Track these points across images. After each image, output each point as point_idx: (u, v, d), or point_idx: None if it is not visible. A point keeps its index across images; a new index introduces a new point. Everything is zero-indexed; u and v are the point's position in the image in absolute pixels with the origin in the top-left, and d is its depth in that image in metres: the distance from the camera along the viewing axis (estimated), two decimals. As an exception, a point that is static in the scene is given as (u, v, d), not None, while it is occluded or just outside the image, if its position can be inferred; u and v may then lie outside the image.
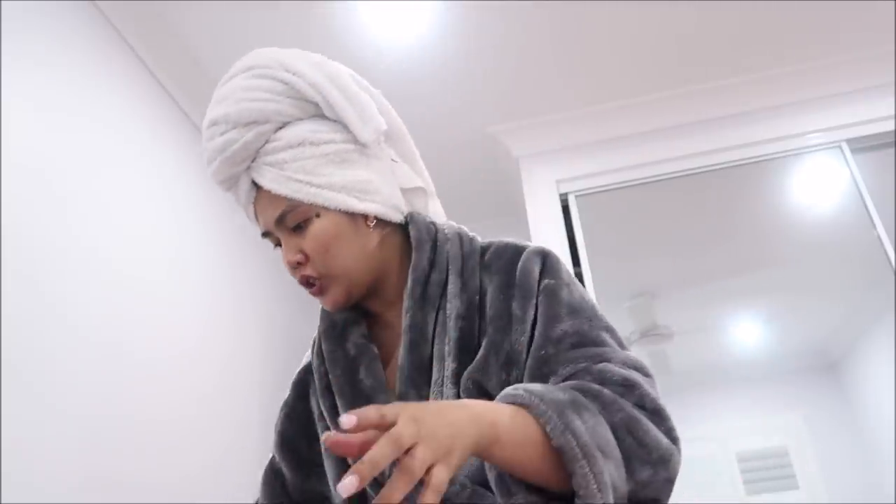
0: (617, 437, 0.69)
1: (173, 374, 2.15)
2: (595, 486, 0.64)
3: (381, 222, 0.94)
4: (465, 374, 0.84)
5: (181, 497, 2.03)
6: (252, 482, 2.69)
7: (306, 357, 1.06)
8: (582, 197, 2.87)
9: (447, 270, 0.92)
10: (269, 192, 0.89)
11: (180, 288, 2.30)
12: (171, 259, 2.27)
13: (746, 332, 3.20)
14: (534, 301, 0.86)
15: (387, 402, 0.81)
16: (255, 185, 0.91)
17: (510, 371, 0.84)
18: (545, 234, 2.78)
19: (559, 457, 0.65)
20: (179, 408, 2.16)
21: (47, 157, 1.76)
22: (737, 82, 2.83)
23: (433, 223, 0.98)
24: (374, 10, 2.35)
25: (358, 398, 0.88)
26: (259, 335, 2.87)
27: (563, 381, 0.78)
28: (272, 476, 1.05)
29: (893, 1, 2.51)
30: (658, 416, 0.74)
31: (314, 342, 1.01)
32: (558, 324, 0.83)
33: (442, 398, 0.83)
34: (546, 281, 0.87)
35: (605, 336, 0.84)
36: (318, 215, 0.89)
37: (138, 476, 1.88)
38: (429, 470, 0.56)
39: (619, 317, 2.92)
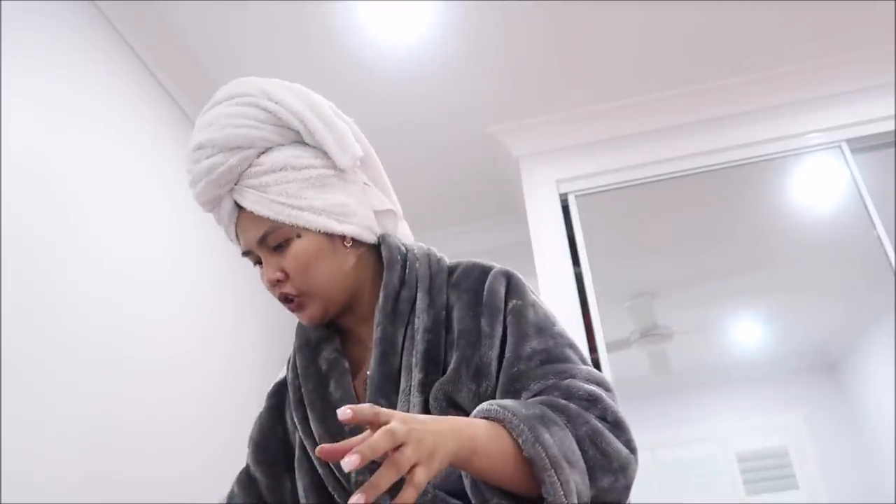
0: (581, 449, 0.75)
1: (173, 375, 2.15)
2: (562, 493, 0.70)
3: (357, 243, 1.00)
4: (437, 385, 0.89)
5: (181, 497, 2.03)
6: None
7: (281, 373, 1.11)
8: (582, 197, 2.87)
9: (416, 288, 0.97)
10: (251, 213, 0.94)
11: (180, 288, 2.30)
12: (171, 259, 2.27)
13: (746, 332, 3.19)
14: (501, 318, 0.92)
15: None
16: (238, 207, 0.96)
17: (480, 382, 0.89)
18: (545, 233, 2.78)
19: (530, 466, 0.71)
20: (179, 408, 2.16)
21: (47, 157, 1.75)
22: (737, 82, 2.83)
23: (403, 244, 1.04)
24: (374, 10, 2.35)
25: (328, 410, 0.93)
26: (259, 336, 2.87)
27: (534, 396, 0.83)
28: (247, 480, 1.08)
29: (893, 1, 2.51)
30: (619, 427, 0.81)
31: (290, 358, 1.07)
32: (527, 342, 0.89)
33: (409, 406, 0.89)
34: (513, 301, 0.93)
35: (569, 352, 0.90)
36: (298, 235, 0.94)
37: (138, 476, 1.88)
38: (412, 469, 0.61)
39: (619, 317, 2.92)
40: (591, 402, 0.81)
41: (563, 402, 0.79)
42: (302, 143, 0.98)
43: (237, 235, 0.99)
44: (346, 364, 0.98)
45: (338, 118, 1.01)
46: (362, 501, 0.57)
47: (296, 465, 1.00)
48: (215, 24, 2.34)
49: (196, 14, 2.29)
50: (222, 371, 2.50)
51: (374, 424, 0.63)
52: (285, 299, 0.96)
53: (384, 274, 0.98)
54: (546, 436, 0.72)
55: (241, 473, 1.10)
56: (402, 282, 0.98)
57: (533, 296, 0.96)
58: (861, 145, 2.72)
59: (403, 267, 0.99)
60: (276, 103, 0.95)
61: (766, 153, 2.78)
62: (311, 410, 0.95)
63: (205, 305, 2.45)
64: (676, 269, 3.05)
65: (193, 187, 0.97)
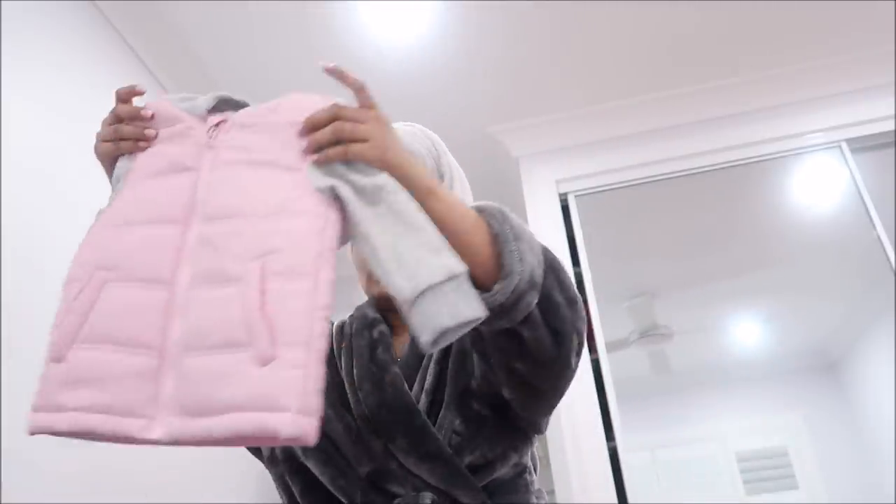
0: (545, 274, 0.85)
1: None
2: (518, 262, 0.80)
3: None
4: (451, 371, 1.03)
5: (181, 497, 2.03)
6: (252, 480, 2.70)
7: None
8: (582, 197, 2.87)
9: None
10: None
11: (180, 288, 2.30)
12: (171, 259, 2.27)
13: (746, 332, 3.20)
14: None
15: (396, 372, 1.02)
16: None
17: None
18: (545, 233, 2.78)
19: (492, 243, 0.82)
20: (179, 408, 2.16)
21: (47, 156, 1.76)
22: (736, 82, 2.83)
23: None
24: (374, 10, 2.35)
25: (371, 363, 1.05)
26: (259, 335, 2.86)
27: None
28: None
29: (893, 1, 2.51)
30: (576, 304, 0.91)
31: (341, 325, 1.19)
32: None
33: (426, 376, 1.03)
34: None
35: None
36: None
37: (138, 476, 1.88)
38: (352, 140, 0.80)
39: (618, 317, 2.92)
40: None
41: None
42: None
43: None
44: (392, 341, 1.10)
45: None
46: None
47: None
48: (215, 25, 2.34)
49: (196, 14, 2.29)
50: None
51: (361, 96, 0.84)
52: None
53: None
54: (516, 223, 0.85)
55: None
56: None
57: None
58: (861, 145, 2.72)
59: None
60: (440, 146, 1.16)
61: (766, 153, 2.78)
62: (357, 359, 1.07)
63: (205, 305, 2.45)
64: (676, 269, 3.05)
65: None
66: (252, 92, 2.76)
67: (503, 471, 0.99)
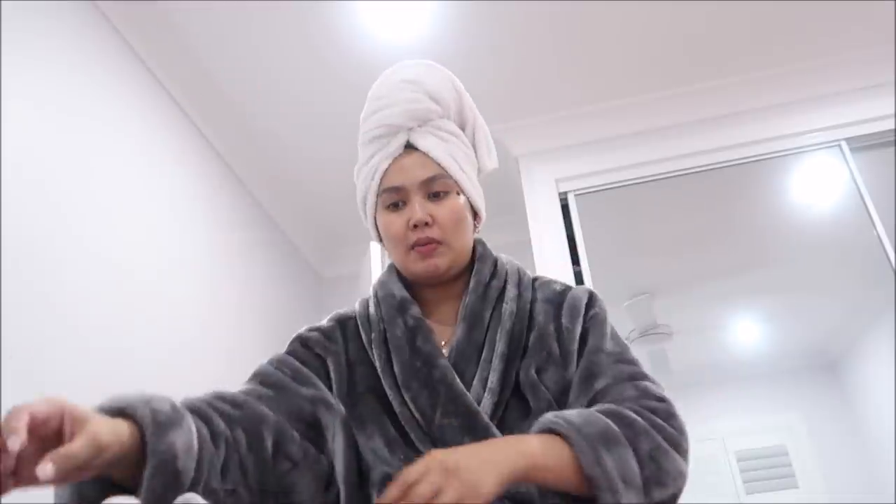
0: (641, 465, 0.80)
1: (173, 373, 2.15)
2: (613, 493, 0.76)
3: (475, 230, 1.12)
4: (526, 363, 0.97)
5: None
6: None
7: (344, 310, 1.14)
8: (581, 196, 2.87)
9: (505, 281, 1.06)
10: (425, 154, 1.02)
11: (179, 287, 2.30)
12: (170, 259, 2.27)
13: (746, 332, 3.20)
14: (581, 319, 1.01)
15: (445, 365, 0.95)
16: (406, 148, 1.04)
17: (567, 368, 0.97)
18: (545, 233, 2.78)
19: (589, 481, 0.77)
20: (179, 407, 2.16)
21: (47, 156, 1.76)
22: (736, 81, 2.83)
23: (495, 253, 1.14)
24: (374, 10, 2.35)
25: (416, 359, 0.97)
26: (258, 333, 2.87)
27: (606, 387, 0.91)
28: (276, 370, 1.01)
29: (893, 0, 2.51)
30: (682, 436, 0.87)
31: (364, 304, 1.10)
32: (605, 341, 0.99)
33: (489, 372, 0.95)
34: (595, 309, 1.04)
35: (638, 362, 0.99)
36: (458, 193, 1.04)
37: (138, 475, 1.88)
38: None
39: (618, 316, 2.91)
40: (662, 409, 0.87)
41: (632, 416, 0.83)
42: (463, 131, 1.11)
43: (385, 173, 1.03)
44: (430, 325, 1.02)
45: None
46: None
47: (360, 400, 0.99)
48: (215, 24, 2.34)
49: (196, 14, 2.29)
50: (222, 369, 2.50)
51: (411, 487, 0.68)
52: (422, 243, 1.01)
53: (476, 264, 1.07)
54: (606, 458, 0.77)
55: (264, 366, 1.04)
56: (493, 274, 1.06)
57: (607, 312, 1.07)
58: (860, 144, 2.72)
59: (494, 265, 1.08)
60: (463, 92, 1.10)
61: (766, 152, 2.78)
62: (397, 354, 0.98)
63: (204, 304, 2.45)
64: (676, 268, 3.05)
65: (385, 109, 1.05)
66: (252, 91, 2.78)
67: None
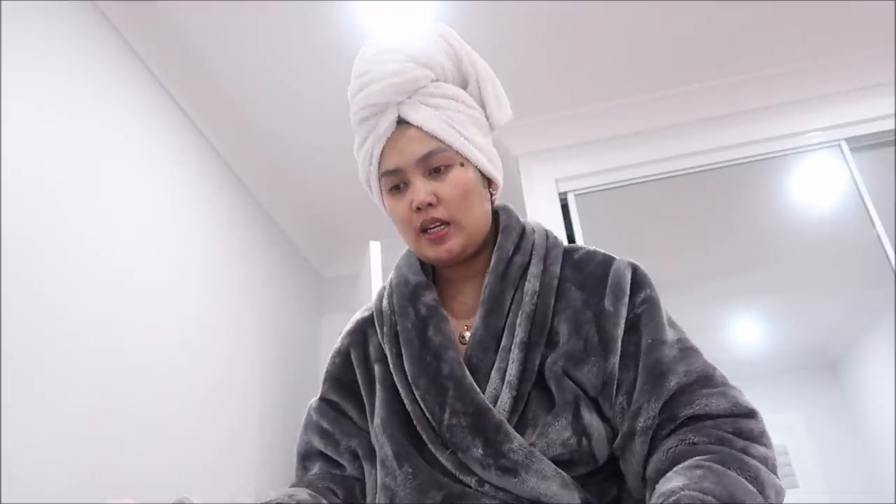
0: None
1: (173, 373, 2.16)
2: None
3: (493, 197, 1.03)
4: (554, 357, 0.88)
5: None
6: (251, 480, 2.71)
7: (362, 311, 1.08)
8: (581, 196, 2.87)
9: (531, 255, 0.97)
10: (417, 129, 0.93)
11: (179, 287, 2.30)
12: (170, 259, 2.27)
13: (745, 332, 3.19)
14: (625, 301, 0.91)
15: (454, 358, 0.88)
16: (398, 123, 0.95)
17: (607, 358, 0.87)
18: (545, 233, 2.78)
19: None
20: (179, 407, 2.16)
21: (47, 156, 1.76)
22: (736, 81, 2.83)
23: (521, 218, 1.05)
24: (374, 10, 2.35)
25: (425, 352, 0.90)
26: (258, 333, 2.87)
27: (682, 389, 0.82)
28: (336, 415, 1.01)
29: (893, 0, 2.51)
30: (771, 444, 0.80)
31: (380, 296, 1.04)
32: (664, 330, 0.90)
33: (507, 363, 0.87)
34: (646, 291, 0.93)
35: (695, 344, 0.91)
36: (461, 164, 0.94)
37: (138, 475, 1.88)
38: None
39: (618, 316, 2.91)
40: (758, 432, 0.80)
41: (755, 464, 0.75)
42: (464, 89, 1.00)
43: (381, 154, 0.96)
44: (444, 313, 0.95)
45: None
46: None
47: (376, 395, 0.96)
48: (215, 24, 2.34)
49: (196, 14, 2.29)
50: (222, 370, 2.51)
51: None
52: (428, 227, 0.93)
53: (499, 237, 0.98)
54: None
55: (313, 405, 1.05)
56: (517, 248, 0.97)
57: (656, 288, 0.97)
58: (860, 144, 2.72)
59: (520, 236, 0.99)
60: (457, 45, 0.99)
61: (766, 152, 2.79)
62: (407, 348, 0.92)
63: (204, 304, 2.46)
64: (675, 268, 3.05)
65: (367, 87, 0.95)
66: (252, 91, 2.78)
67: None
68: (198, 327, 2.37)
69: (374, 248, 2.65)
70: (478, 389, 0.85)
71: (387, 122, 0.94)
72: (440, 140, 0.93)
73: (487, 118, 1.01)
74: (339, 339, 1.07)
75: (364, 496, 0.95)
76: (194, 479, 2.17)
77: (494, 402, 0.86)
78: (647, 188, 2.85)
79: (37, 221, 1.67)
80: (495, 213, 1.03)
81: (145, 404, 1.98)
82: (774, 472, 0.77)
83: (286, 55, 2.49)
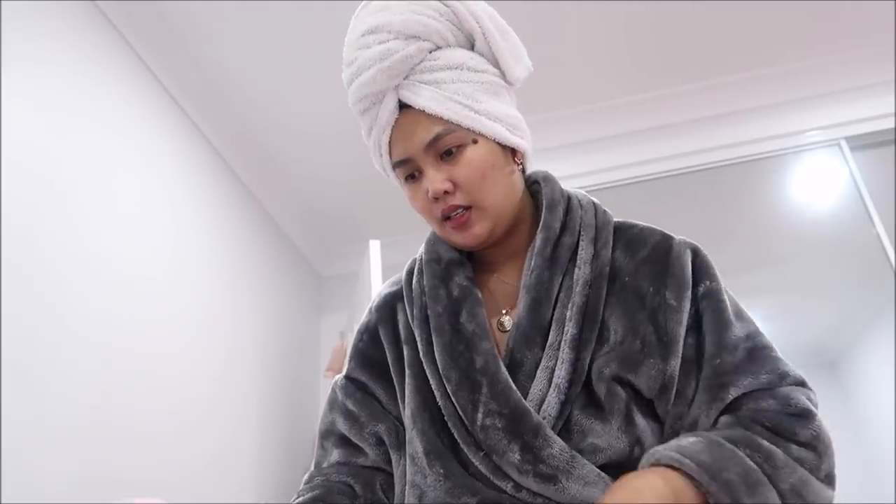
0: (784, 502, 0.68)
1: (172, 373, 2.16)
2: None
3: (522, 166, 0.92)
4: (604, 357, 0.80)
5: (180, 497, 2.03)
6: (251, 480, 2.71)
7: (389, 284, 1.01)
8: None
9: (579, 235, 0.88)
10: (421, 112, 0.84)
11: (179, 286, 2.31)
12: (169, 258, 2.27)
13: (745, 331, 3.19)
14: (688, 294, 0.83)
15: (489, 350, 0.80)
16: (400, 107, 0.86)
17: (668, 360, 0.79)
18: (544, 232, 2.78)
19: None
20: (179, 406, 2.16)
21: (47, 156, 1.76)
22: (735, 80, 2.83)
23: (564, 189, 0.95)
24: (374, 9, 2.35)
25: (457, 341, 0.83)
26: (257, 333, 2.87)
27: (743, 394, 0.76)
28: (363, 397, 0.94)
29: (892, -1, 2.51)
30: (827, 451, 0.73)
31: (410, 270, 0.96)
32: (729, 329, 0.81)
33: (557, 361, 0.79)
34: (707, 282, 0.84)
35: (767, 339, 0.83)
36: (474, 141, 0.85)
37: (138, 475, 1.88)
38: None
39: (618, 315, 2.91)
40: (803, 428, 0.73)
41: (768, 446, 0.70)
42: (471, 49, 0.89)
43: (389, 144, 0.88)
44: (480, 295, 0.87)
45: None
46: None
47: (406, 382, 0.88)
48: (216, 25, 2.34)
49: (196, 14, 2.29)
50: (221, 369, 2.51)
51: None
52: (450, 214, 0.85)
53: (543, 213, 0.89)
54: None
55: (339, 384, 0.98)
56: (564, 226, 0.88)
57: (719, 274, 0.87)
58: (860, 143, 2.72)
59: (567, 211, 0.90)
60: (457, 1, 0.88)
61: (765, 151, 2.78)
62: (438, 335, 0.84)
63: (204, 303, 2.46)
64: (676, 267, 3.05)
65: (357, 77, 0.86)
66: (252, 91, 2.78)
67: None
68: (197, 326, 2.37)
69: (374, 246, 2.64)
70: (514, 388, 0.78)
71: (388, 110, 0.86)
72: (447, 120, 0.83)
73: (504, 75, 0.90)
74: (366, 313, 1.00)
75: (384, 490, 0.89)
76: (194, 477, 2.17)
77: (539, 405, 0.78)
78: (645, 187, 2.84)
79: (36, 221, 1.67)
80: (535, 182, 0.95)
81: (144, 404, 1.98)
82: (822, 477, 0.71)
83: (286, 55, 2.49)
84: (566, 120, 2.94)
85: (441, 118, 0.83)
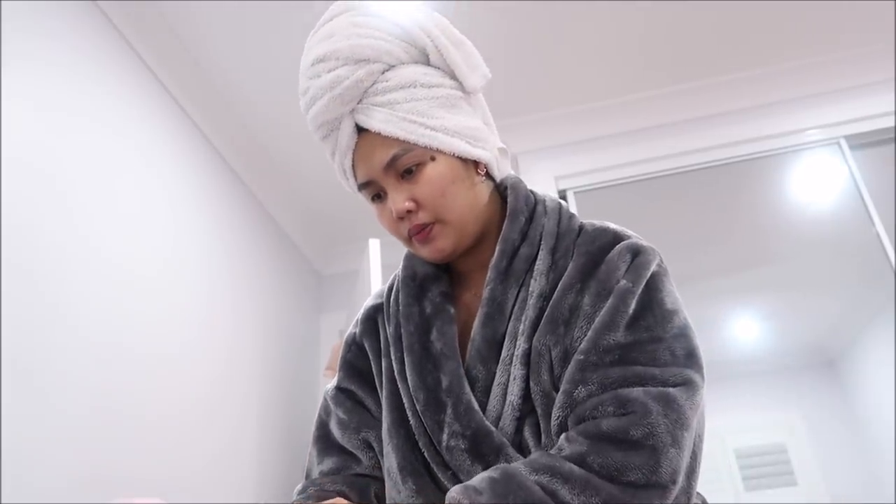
0: None
1: (172, 372, 2.16)
2: None
3: (488, 176, 0.92)
4: (538, 368, 0.79)
5: (179, 497, 2.04)
6: (251, 479, 2.71)
7: (374, 296, 1.02)
8: (581, 193, 2.87)
9: (539, 246, 0.87)
10: (377, 134, 0.85)
11: (179, 286, 2.31)
12: (169, 257, 2.28)
13: (745, 330, 3.20)
14: (608, 296, 0.79)
15: (454, 369, 0.80)
16: (358, 130, 0.88)
17: (564, 367, 0.77)
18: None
19: None
20: (179, 406, 2.16)
21: (47, 155, 1.76)
22: (735, 78, 2.83)
23: (533, 193, 0.95)
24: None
25: (426, 360, 0.83)
26: (257, 332, 2.87)
27: (583, 399, 0.72)
28: (353, 405, 0.96)
29: (892, -2, 2.51)
30: (656, 474, 0.68)
31: (391, 286, 0.97)
32: (613, 333, 0.76)
33: (509, 378, 0.78)
34: (625, 281, 0.79)
35: (663, 354, 0.75)
36: (432, 158, 0.85)
37: (137, 474, 1.89)
38: None
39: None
40: (625, 436, 0.68)
41: (569, 467, 0.67)
42: (426, 63, 0.89)
43: (353, 166, 0.89)
44: (452, 311, 0.87)
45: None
46: None
47: (382, 399, 0.90)
48: (216, 25, 2.34)
49: (196, 14, 2.29)
50: (221, 368, 2.51)
51: None
52: (415, 232, 0.85)
53: (504, 224, 0.89)
54: None
55: (329, 394, 0.99)
56: (524, 236, 0.87)
57: (657, 281, 0.81)
58: (860, 142, 2.72)
59: (529, 220, 0.89)
60: (404, 16, 0.88)
61: (765, 150, 2.79)
62: (409, 355, 0.85)
63: (203, 302, 2.46)
64: (675, 265, 3.02)
65: (311, 106, 0.88)
66: (252, 91, 2.78)
67: None
68: (197, 325, 2.37)
69: (374, 245, 2.65)
70: (477, 408, 0.78)
71: (346, 135, 0.88)
72: (403, 140, 0.84)
73: (461, 85, 0.90)
74: (353, 324, 1.02)
75: (378, 498, 0.90)
76: (193, 477, 2.17)
77: (497, 422, 0.78)
78: (646, 186, 2.85)
79: (36, 221, 1.68)
80: (507, 188, 0.94)
81: (144, 403, 1.99)
82: (643, 486, 0.67)
83: (286, 55, 2.49)
84: (565, 118, 2.95)
85: (397, 139, 0.84)
